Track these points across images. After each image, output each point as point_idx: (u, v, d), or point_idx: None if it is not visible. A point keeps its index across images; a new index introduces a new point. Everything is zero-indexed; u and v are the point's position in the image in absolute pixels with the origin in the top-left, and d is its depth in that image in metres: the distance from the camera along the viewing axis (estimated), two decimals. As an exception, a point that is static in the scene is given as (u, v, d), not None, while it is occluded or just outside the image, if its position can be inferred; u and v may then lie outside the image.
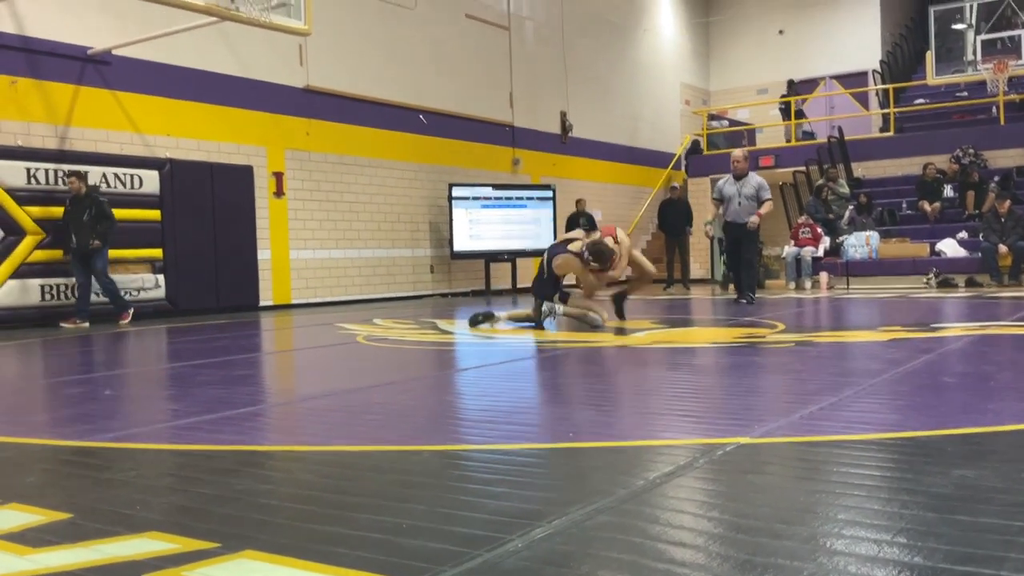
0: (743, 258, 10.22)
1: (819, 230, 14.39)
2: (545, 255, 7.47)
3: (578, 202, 15.90)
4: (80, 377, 5.31)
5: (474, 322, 7.60)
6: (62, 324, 9.27)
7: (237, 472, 2.57)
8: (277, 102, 12.20)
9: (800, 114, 19.77)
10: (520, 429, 3.14)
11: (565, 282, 7.56)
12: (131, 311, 9.64)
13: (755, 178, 10.06)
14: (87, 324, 9.36)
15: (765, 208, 9.92)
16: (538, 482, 2.38)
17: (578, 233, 7.73)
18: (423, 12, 14.33)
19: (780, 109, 19.91)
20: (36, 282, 9.48)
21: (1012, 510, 1.94)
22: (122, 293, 9.76)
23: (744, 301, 9.91)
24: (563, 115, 17.46)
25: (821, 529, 1.86)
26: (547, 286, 7.40)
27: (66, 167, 9.69)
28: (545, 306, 7.21)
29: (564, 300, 7.43)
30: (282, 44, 11.81)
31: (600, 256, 7.20)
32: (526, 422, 3.32)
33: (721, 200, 10.15)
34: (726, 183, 10.12)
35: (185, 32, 10.06)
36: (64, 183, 9.60)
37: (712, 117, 20.99)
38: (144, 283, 10.41)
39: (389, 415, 3.53)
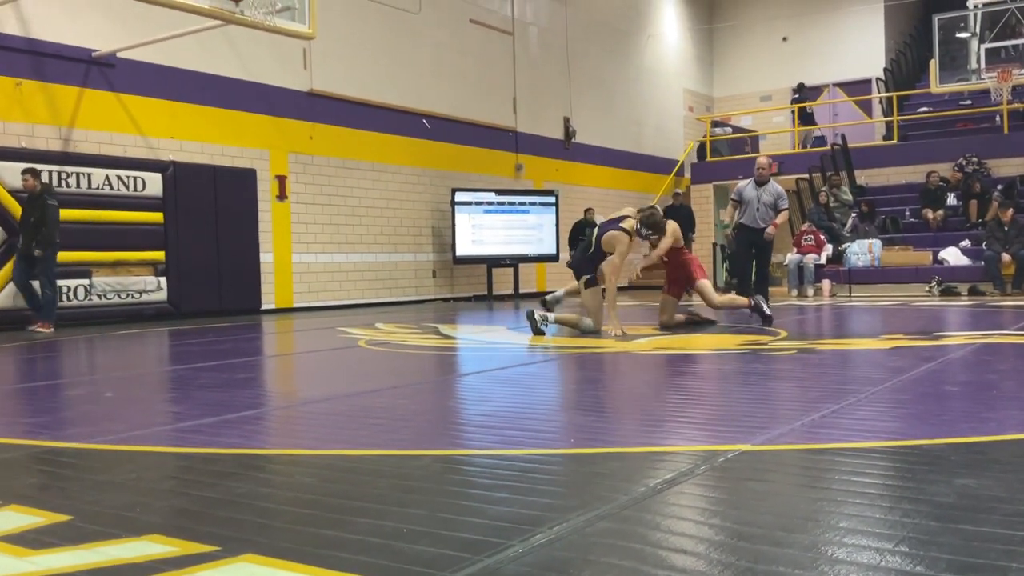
0: (758, 269, 10.31)
1: (822, 237, 14.39)
2: (596, 231, 7.43)
3: (586, 211, 15.88)
4: (81, 379, 5.31)
5: (538, 321, 7.40)
6: (28, 328, 8.90)
7: (238, 475, 2.57)
8: (281, 106, 12.22)
9: (810, 119, 19.75)
10: (521, 434, 3.14)
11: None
12: (52, 328, 8.89)
13: (775, 187, 10.15)
14: (51, 329, 8.91)
15: (780, 218, 10.02)
16: (539, 488, 2.37)
17: (629, 210, 7.61)
18: (427, 17, 14.35)
19: (792, 112, 19.89)
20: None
21: (1015, 520, 1.94)
22: (56, 307, 9.10)
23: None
24: (566, 120, 17.47)
25: (823, 537, 1.86)
26: (588, 263, 7.34)
27: (69, 169, 9.71)
28: (538, 315, 7.19)
29: (589, 285, 7.29)
30: (286, 48, 11.83)
31: (655, 226, 7.27)
32: (527, 427, 3.31)
33: (739, 202, 10.23)
34: (747, 187, 10.20)
35: (189, 35, 10.08)
36: (67, 185, 9.62)
37: (716, 124, 20.99)
38: (146, 286, 10.42)
39: (390, 419, 3.52)
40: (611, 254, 7.12)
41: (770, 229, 9.94)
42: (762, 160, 10.41)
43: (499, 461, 2.71)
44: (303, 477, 2.64)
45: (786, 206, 10.11)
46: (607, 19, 18.79)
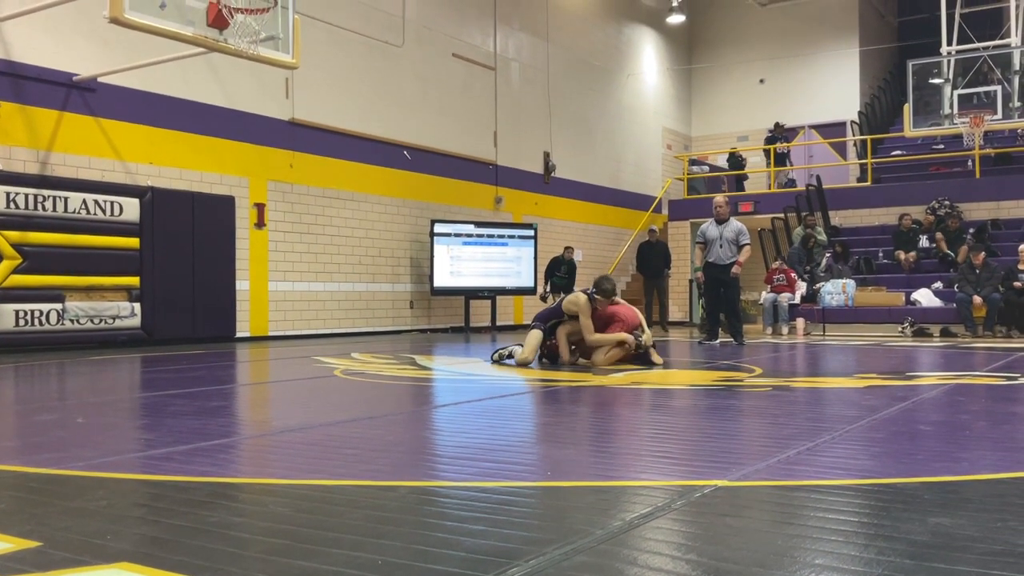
0: (727, 306, 10.65)
1: (793, 275, 14.54)
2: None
3: (566, 249, 15.98)
4: (52, 404, 5.24)
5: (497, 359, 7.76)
6: None
7: (210, 504, 2.54)
8: (261, 134, 12.23)
9: (784, 159, 20.02)
10: (498, 467, 3.12)
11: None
12: None
13: (735, 223, 10.56)
14: None
15: (744, 255, 10.36)
16: (515, 520, 2.36)
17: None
18: (410, 50, 14.46)
19: (765, 152, 20.14)
20: (11, 307, 9.37)
21: (988, 559, 1.95)
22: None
23: (716, 342, 10.57)
24: (546, 155, 17.60)
25: (798, 573, 1.86)
26: (545, 314, 7.75)
27: (46, 192, 9.65)
28: (498, 354, 7.68)
29: (549, 334, 7.61)
30: (268, 76, 11.86)
31: (604, 291, 7.37)
32: (504, 460, 3.30)
33: (704, 242, 10.61)
34: (709, 226, 10.61)
35: (172, 61, 10.09)
36: (43, 208, 9.55)
37: (693, 162, 21.21)
38: (120, 311, 10.32)
39: (366, 450, 3.49)
40: (570, 315, 7.43)
41: (735, 268, 10.30)
42: (718, 199, 10.84)
43: (475, 493, 2.69)
44: (277, 507, 2.61)
45: (747, 241, 10.50)
46: (588, 57, 19.02)
